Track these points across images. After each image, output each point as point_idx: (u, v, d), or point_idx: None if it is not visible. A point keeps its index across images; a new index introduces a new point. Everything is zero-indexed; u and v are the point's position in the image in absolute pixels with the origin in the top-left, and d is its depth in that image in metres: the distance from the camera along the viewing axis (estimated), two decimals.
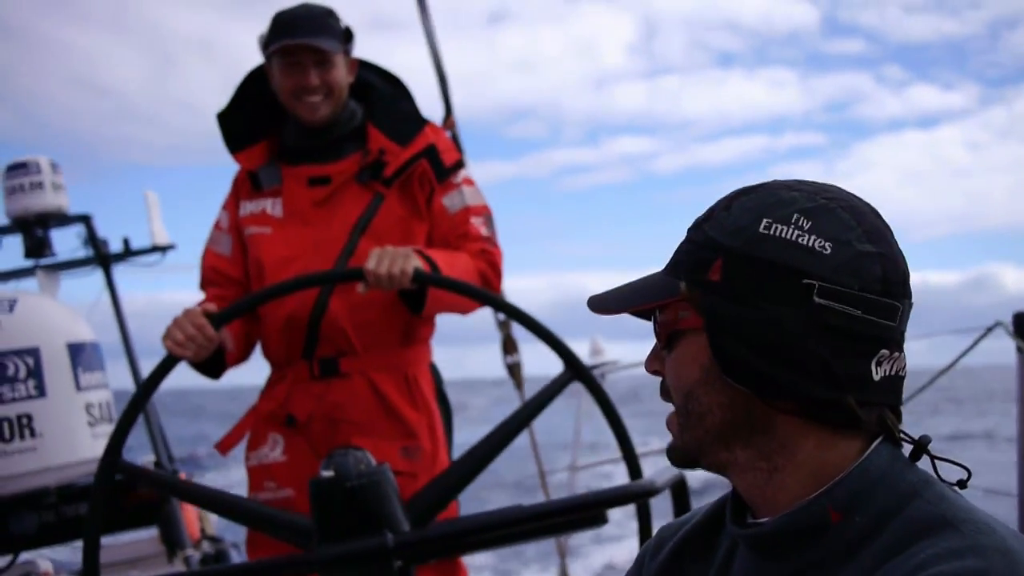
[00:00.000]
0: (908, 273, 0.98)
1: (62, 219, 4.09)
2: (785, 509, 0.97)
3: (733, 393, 0.97)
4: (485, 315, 4.33)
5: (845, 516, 0.93)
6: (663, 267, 1.05)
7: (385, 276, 2.20)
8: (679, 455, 1.04)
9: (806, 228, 0.94)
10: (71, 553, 3.92)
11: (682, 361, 1.01)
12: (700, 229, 1.01)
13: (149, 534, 3.95)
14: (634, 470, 2.18)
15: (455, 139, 4.29)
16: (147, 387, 2.17)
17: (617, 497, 2.04)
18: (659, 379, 1.06)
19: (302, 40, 2.43)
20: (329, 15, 2.51)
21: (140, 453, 4.07)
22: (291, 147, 2.56)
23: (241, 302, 2.29)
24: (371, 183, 2.49)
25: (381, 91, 2.62)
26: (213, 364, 2.42)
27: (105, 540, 3.85)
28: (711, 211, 1.02)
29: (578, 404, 4.77)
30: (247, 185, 2.58)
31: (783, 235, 0.94)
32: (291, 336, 2.48)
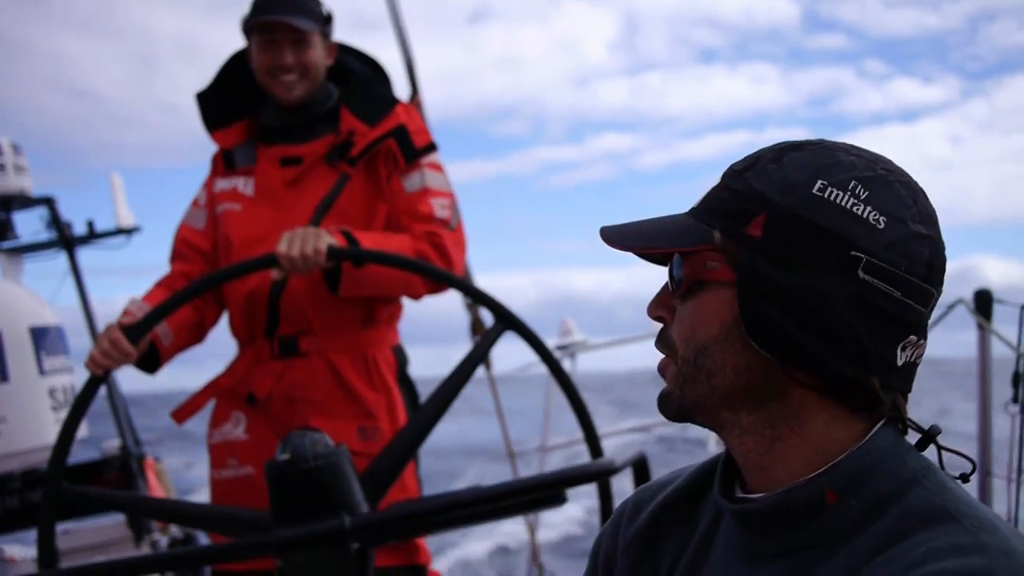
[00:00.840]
0: (947, 261, 0.94)
1: (25, 201, 4.04)
2: (781, 483, 0.93)
3: (752, 356, 0.91)
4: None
5: (841, 498, 0.90)
6: (688, 209, 0.98)
7: (298, 257, 2.19)
8: (674, 408, 0.98)
9: (862, 198, 0.89)
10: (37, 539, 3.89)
11: (701, 313, 0.94)
12: (741, 177, 0.94)
13: (116, 519, 3.93)
14: (595, 449, 2.18)
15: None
16: (77, 408, 2.16)
17: (576, 476, 2.04)
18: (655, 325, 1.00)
19: (278, 17, 2.45)
20: None
21: (106, 436, 4.04)
22: (267, 127, 2.58)
23: (156, 310, 2.25)
24: (338, 163, 2.50)
25: (359, 74, 2.63)
26: (146, 362, 2.43)
27: (71, 525, 3.84)
28: (755, 160, 0.95)
29: (547, 386, 4.77)
30: (222, 163, 2.60)
31: (838, 200, 0.89)
32: (252, 314, 2.48)
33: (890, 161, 0.94)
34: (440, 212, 2.49)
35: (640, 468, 2.21)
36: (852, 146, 0.94)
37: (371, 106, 2.55)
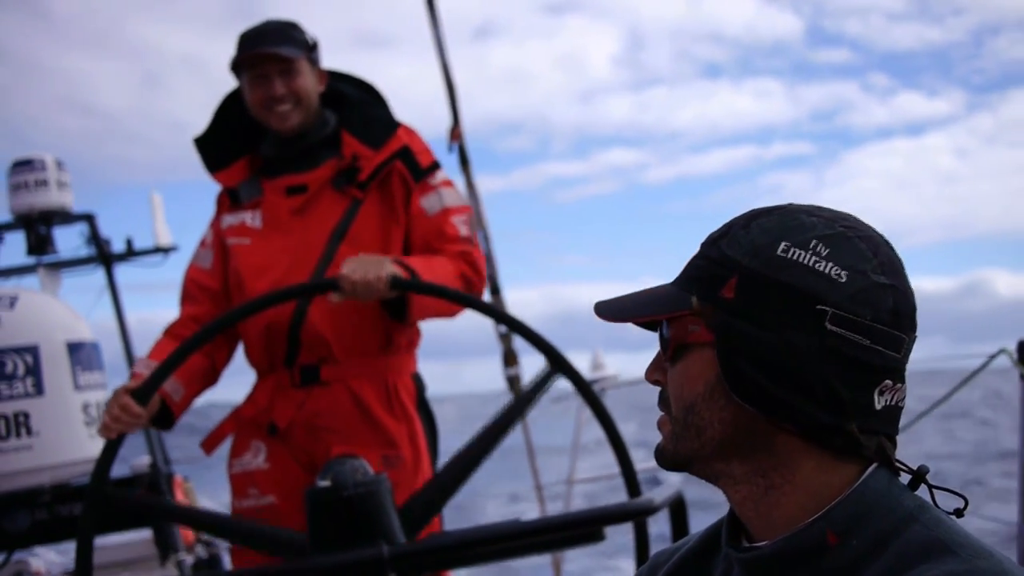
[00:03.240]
0: (915, 307, 0.99)
1: (65, 217, 4.08)
2: (781, 529, 0.97)
3: (736, 410, 0.97)
4: (483, 326, 4.31)
5: (842, 538, 0.94)
6: (672, 280, 1.05)
7: (361, 284, 2.20)
8: (669, 460, 1.04)
9: (823, 255, 0.95)
10: (63, 553, 3.90)
11: (687, 374, 1.01)
12: (715, 246, 1.01)
13: (142, 536, 3.94)
14: (632, 487, 2.17)
15: (462, 150, 4.30)
16: (98, 474, 2.17)
17: (615, 514, 2.03)
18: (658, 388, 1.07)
19: (263, 49, 2.48)
20: (291, 27, 2.55)
21: (135, 454, 4.05)
22: (269, 159, 2.59)
23: (160, 368, 2.25)
24: (347, 188, 2.51)
25: (354, 99, 2.65)
26: (160, 420, 2.46)
27: (98, 541, 3.85)
28: (727, 228, 1.02)
29: (577, 415, 4.75)
30: (227, 201, 2.62)
31: (800, 260, 0.95)
32: (271, 344, 2.49)
33: (852, 218, 1.00)
34: (464, 230, 2.53)
35: (677, 508, 2.20)
36: (817, 208, 1.00)
37: (373, 129, 2.57)
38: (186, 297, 2.62)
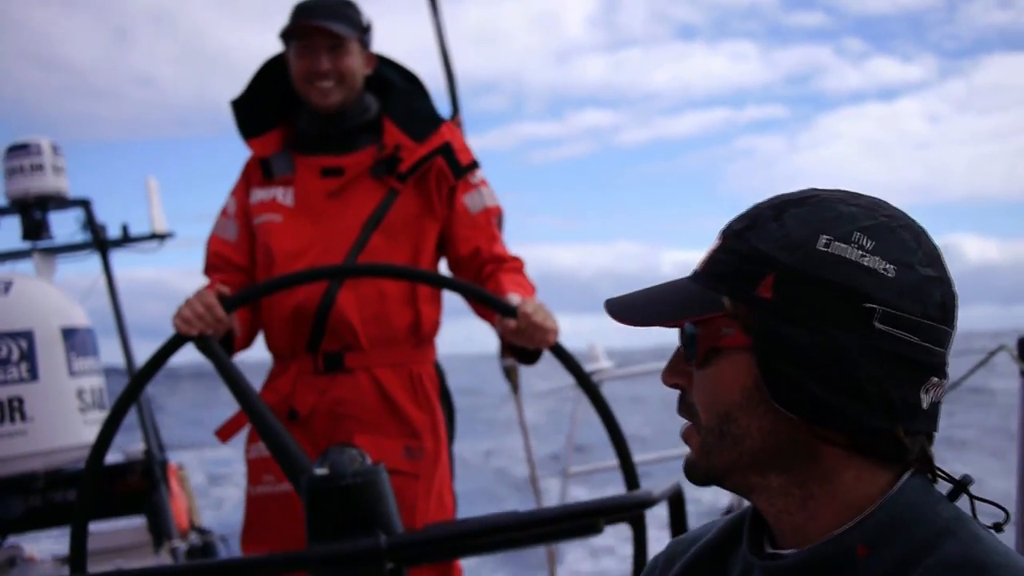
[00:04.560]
0: (957, 297, 0.94)
1: (61, 202, 4.06)
2: (813, 539, 0.92)
3: (777, 418, 0.91)
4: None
5: (872, 551, 0.89)
6: (691, 274, 0.98)
7: (539, 325, 2.19)
8: (702, 475, 0.97)
9: (868, 248, 0.89)
10: (56, 539, 3.89)
11: (720, 380, 0.94)
12: (742, 238, 0.94)
13: (136, 523, 3.93)
14: (631, 480, 2.16)
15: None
16: (154, 362, 2.11)
17: (614, 507, 2.02)
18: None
19: (316, 22, 2.45)
20: (348, 5, 2.53)
21: (130, 439, 4.04)
22: (304, 136, 2.56)
23: (258, 287, 2.25)
24: (385, 178, 2.49)
25: (399, 88, 2.62)
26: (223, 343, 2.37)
27: (91, 527, 3.83)
28: (753, 219, 0.95)
29: (573, 408, 4.74)
30: (258, 173, 2.57)
31: (845, 253, 0.89)
32: (297, 328, 2.46)
33: (889, 205, 0.94)
34: (500, 229, 2.57)
35: (676, 501, 2.19)
36: (850, 194, 0.94)
37: (417, 122, 2.54)
38: (211, 267, 2.57)
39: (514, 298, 2.25)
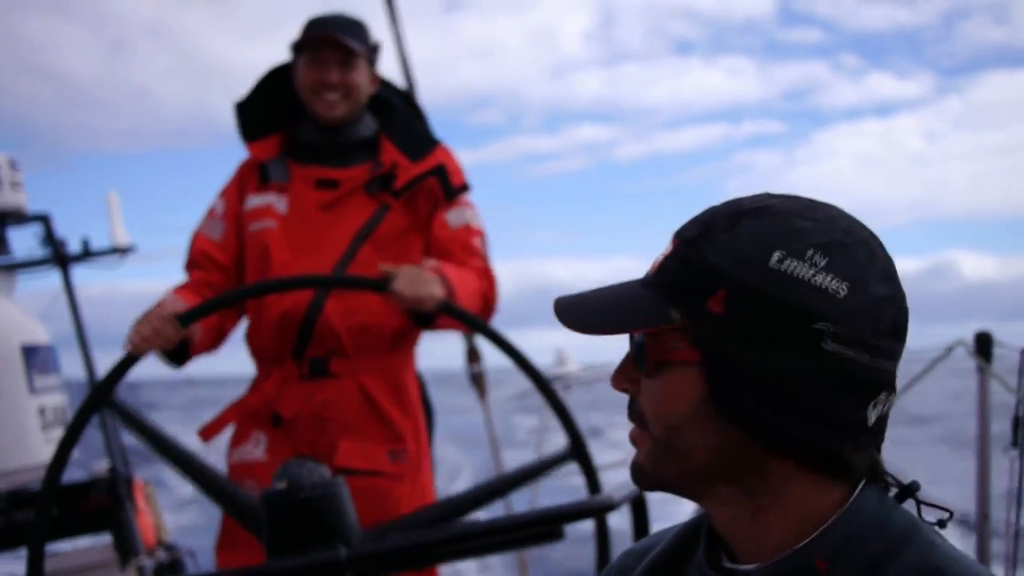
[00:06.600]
0: (908, 313, 0.92)
1: (20, 218, 4.01)
2: (770, 552, 0.91)
3: (724, 433, 0.90)
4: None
5: (832, 563, 0.88)
6: (643, 279, 0.96)
7: (412, 298, 2.22)
8: (650, 482, 0.96)
9: (821, 266, 0.87)
10: (21, 559, 3.84)
11: (667, 393, 0.92)
12: (695, 247, 0.91)
13: (102, 541, 3.88)
14: (592, 484, 2.17)
15: None
16: (108, 383, 2.12)
17: (574, 512, 2.02)
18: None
19: (330, 33, 2.54)
20: (359, 25, 2.63)
21: (93, 458, 4.00)
22: (302, 145, 2.62)
23: (213, 300, 2.27)
24: (379, 194, 2.56)
25: (399, 109, 2.72)
26: (176, 354, 2.41)
27: (56, 547, 3.79)
28: (707, 227, 0.92)
29: (540, 414, 4.74)
30: (254, 178, 2.63)
31: (797, 272, 0.87)
32: (283, 334, 2.50)
33: (845, 217, 0.92)
34: (483, 250, 2.61)
35: (638, 504, 2.19)
36: (808, 205, 0.92)
37: (414, 142, 2.64)
38: (193, 264, 2.61)
39: (384, 268, 2.26)
